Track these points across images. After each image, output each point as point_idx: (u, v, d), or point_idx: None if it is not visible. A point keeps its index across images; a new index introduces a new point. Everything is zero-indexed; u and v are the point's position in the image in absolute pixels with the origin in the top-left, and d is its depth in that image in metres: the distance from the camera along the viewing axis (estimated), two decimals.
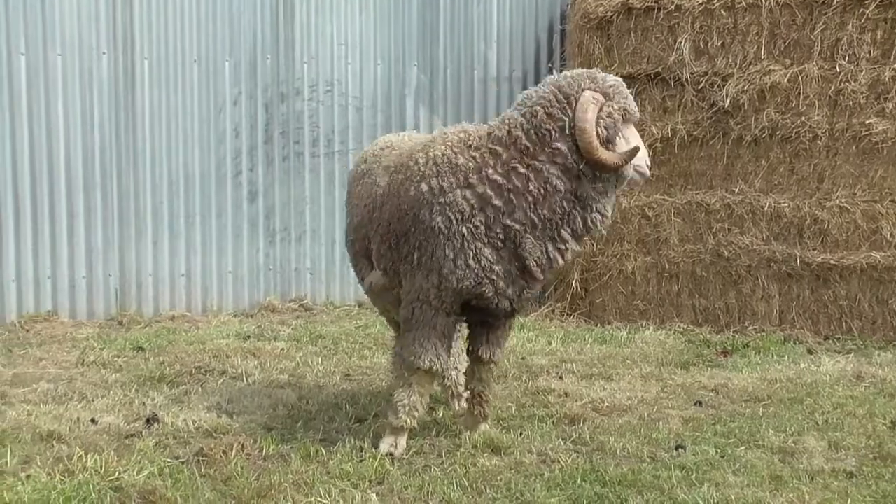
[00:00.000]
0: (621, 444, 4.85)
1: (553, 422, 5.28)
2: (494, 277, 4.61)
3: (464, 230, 4.55)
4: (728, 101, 7.77)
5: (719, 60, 7.97)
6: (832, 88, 7.57)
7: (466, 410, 5.14)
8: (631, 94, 4.58)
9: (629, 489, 4.26)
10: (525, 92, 4.67)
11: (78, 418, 5.23)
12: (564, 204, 4.49)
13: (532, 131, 4.50)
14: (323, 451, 4.71)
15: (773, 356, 6.78)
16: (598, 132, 4.41)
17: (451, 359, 5.23)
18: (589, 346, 7.21)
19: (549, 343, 7.27)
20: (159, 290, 8.38)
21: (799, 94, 7.60)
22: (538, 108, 4.51)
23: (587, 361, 6.67)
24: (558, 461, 4.61)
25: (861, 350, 7.01)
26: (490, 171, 4.52)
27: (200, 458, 4.57)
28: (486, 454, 4.72)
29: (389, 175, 4.93)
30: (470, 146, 4.63)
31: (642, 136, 8.03)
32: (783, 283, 7.68)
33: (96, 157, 8.09)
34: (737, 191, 7.81)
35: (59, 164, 7.96)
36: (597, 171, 4.46)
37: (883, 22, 7.52)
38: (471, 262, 4.57)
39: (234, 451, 4.61)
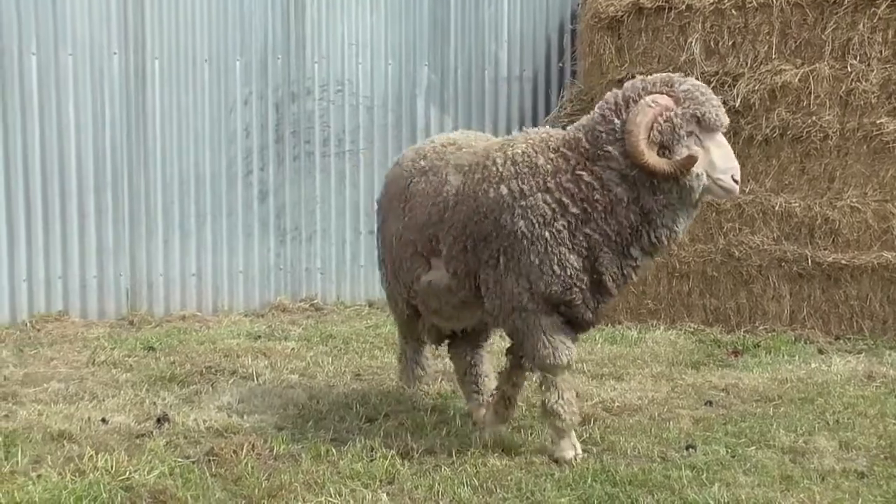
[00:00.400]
0: (632, 443, 4.85)
1: None
2: (583, 286, 4.52)
3: (546, 235, 4.46)
4: (739, 100, 7.75)
5: (730, 60, 7.95)
6: (843, 88, 7.54)
7: (490, 411, 5.10)
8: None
9: (639, 489, 4.26)
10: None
11: (89, 418, 5.24)
12: (632, 216, 4.40)
13: (590, 134, 4.45)
14: (333, 450, 4.71)
15: (783, 356, 6.76)
16: (650, 137, 4.27)
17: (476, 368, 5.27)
18: (599, 345, 7.20)
19: None
20: (170, 289, 8.41)
21: (810, 93, 7.58)
22: (598, 110, 4.49)
23: (598, 361, 6.67)
24: (569, 461, 4.61)
25: (872, 350, 6.99)
26: (562, 176, 4.45)
27: (211, 458, 4.58)
28: (496, 454, 4.72)
29: (463, 174, 4.77)
30: (549, 147, 4.55)
31: None
32: (794, 282, 7.66)
33: (107, 156, 8.12)
34: (747, 190, 7.79)
35: (70, 163, 7.99)
36: (655, 181, 4.31)
37: (894, 21, 7.49)
38: (555, 267, 4.48)
39: (244, 450, 4.61)
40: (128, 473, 4.36)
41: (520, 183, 4.50)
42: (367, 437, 4.92)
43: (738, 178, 4.37)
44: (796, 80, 7.63)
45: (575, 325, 4.69)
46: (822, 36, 7.68)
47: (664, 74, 4.51)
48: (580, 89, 8.99)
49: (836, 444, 4.87)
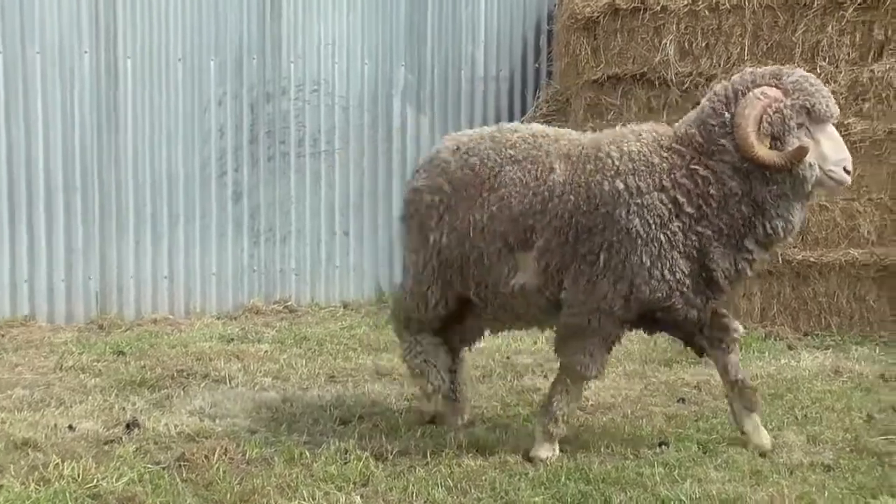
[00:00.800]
0: (605, 441, 4.88)
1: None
2: (685, 290, 4.51)
3: (661, 237, 4.43)
4: None
5: (704, 61, 8.01)
6: None
7: None
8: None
9: (613, 486, 4.28)
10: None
11: (55, 425, 5.15)
12: (744, 209, 4.41)
13: (702, 128, 4.47)
14: (307, 453, 4.70)
15: (754, 352, 6.81)
16: (761, 129, 4.32)
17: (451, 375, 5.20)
18: None
19: (535, 342, 7.28)
20: (141, 292, 8.33)
21: None
22: (707, 103, 4.52)
23: None
24: (542, 460, 4.63)
25: (839, 345, 7.07)
26: (678, 173, 4.45)
27: (182, 463, 4.51)
28: (470, 454, 4.72)
29: (572, 164, 4.67)
30: (661, 145, 4.55)
31: None
32: (764, 280, 7.71)
33: (76, 156, 8.04)
34: None
35: (37, 164, 7.92)
36: (767, 173, 4.34)
37: (861, 24, 7.60)
38: (666, 273, 4.46)
39: (216, 455, 4.56)
40: (95, 481, 4.28)
41: (637, 179, 4.47)
42: (341, 439, 4.90)
43: (849, 168, 4.42)
44: None
45: (679, 327, 4.72)
46: (793, 38, 7.76)
47: (773, 67, 4.59)
48: (556, 90, 9.04)
49: (805, 438, 4.93)
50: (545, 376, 6.25)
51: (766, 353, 6.83)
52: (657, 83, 8.15)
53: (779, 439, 4.89)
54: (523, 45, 9.55)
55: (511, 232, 4.73)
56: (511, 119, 9.41)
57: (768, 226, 4.43)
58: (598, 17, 8.32)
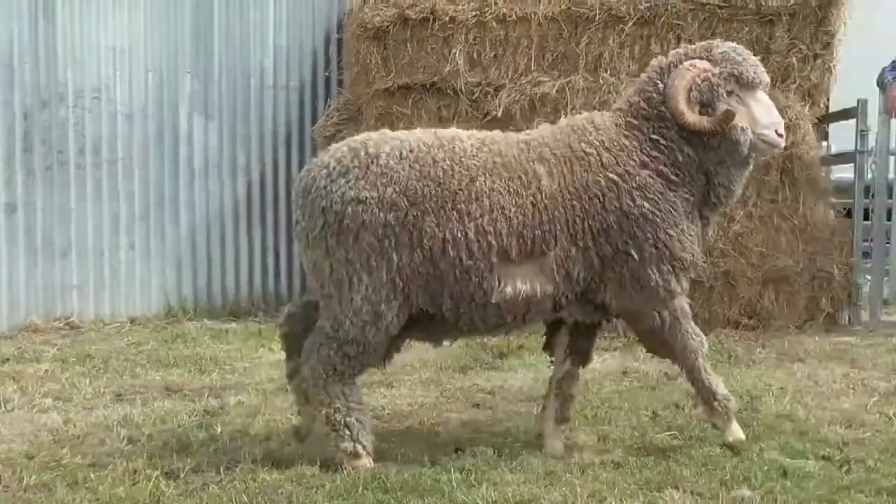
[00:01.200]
0: (402, 449, 4.87)
1: None
2: (699, 252, 4.73)
3: (668, 207, 4.56)
4: (501, 110, 7.98)
5: (492, 71, 8.17)
6: (597, 99, 7.90)
7: (552, 423, 4.93)
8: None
9: (410, 494, 4.27)
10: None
11: None
12: (700, 175, 4.61)
13: (642, 95, 4.65)
14: (92, 476, 4.47)
15: (545, 357, 6.93)
16: (690, 97, 4.52)
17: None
18: None
19: None
20: None
21: (567, 104, 7.89)
22: (644, 75, 4.72)
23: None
24: (340, 471, 4.57)
25: (626, 347, 7.30)
26: (647, 146, 4.58)
27: None
28: (266, 468, 4.62)
29: (555, 167, 4.57)
30: (618, 125, 4.65)
31: None
32: None
33: None
34: None
35: None
36: (704, 140, 4.53)
37: (640, 38, 7.99)
38: (691, 235, 4.61)
39: None
40: None
41: (623, 166, 4.54)
42: (130, 459, 4.70)
43: (781, 131, 4.58)
44: (554, 91, 7.94)
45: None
46: (577, 50, 8.05)
47: (704, 42, 4.77)
48: (347, 99, 9.01)
49: (595, 438, 5.06)
50: None
51: None
52: (447, 92, 8.26)
53: (571, 439, 5.01)
54: (313, 53, 9.47)
55: (514, 246, 4.50)
56: (301, 128, 9.33)
57: (712, 194, 4.66)
58: (387, 26, 8.36)
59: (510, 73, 8.13)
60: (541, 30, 8.09)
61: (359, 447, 4.61)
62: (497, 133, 4.81)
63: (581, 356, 4.99)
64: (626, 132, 4.64)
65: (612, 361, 6.89)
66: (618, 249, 4.55)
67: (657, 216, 4.55)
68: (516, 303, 4.55)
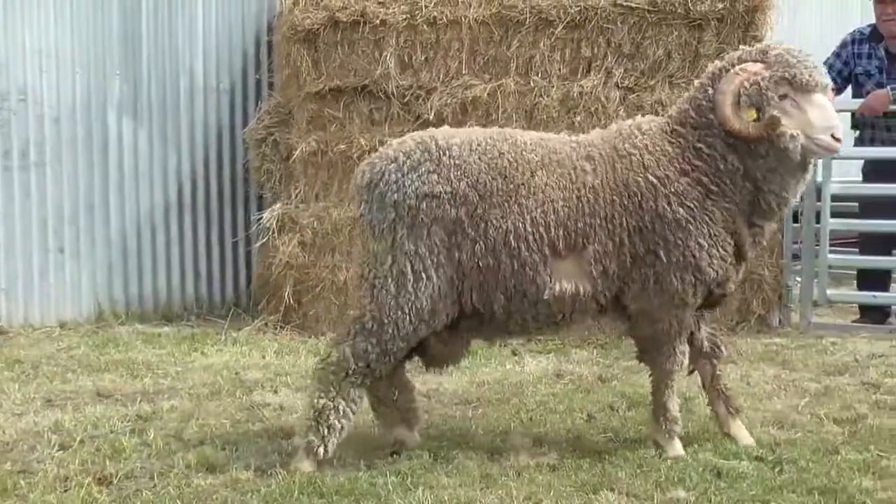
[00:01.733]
0: (337, 453, 4.86)
1: (269, 436, 5.23)
2: (734, 263, 4.67)
3: (706, 217, 4.53)
4: (432, 113, 8.01)
5: (423, 74, 8.20)
6: (528, 102, 7.99)
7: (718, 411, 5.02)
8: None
9: (346, 498, 4.29)
10: None
11: None
12: (747, 184, 4.57)
13: (693, 103, 4.60)
14: (22, 483, 4.42)
15: (480, 359, 7.00)
16: (740, 101, 4.47)
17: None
18: (303, 358, 7.19)
19: (264, 357, 7.20)
20: None
21: (498, 107, 7.95)
22: (698, 82, 4.65)
23: (302, 373, 6.65)
24: (275, 476, 4.57)
25: (560, 349, 7.38)
26: (690, 154, 4.55)
27: None
28: (200, 473, 4.61)
29: (600, 164, 4.63)
30: (665, 132, 4.66)
31: (350, 147, 8.21)
32: None
33: None
34: None
35: None
36: (752, 147, 4.49)
37: (570, 42, 8.06)
38: (721, 250, 4.57)
39: None
40: None
41: (663, 170, 4.53)
42: (61, 465, 4.65)
43: (838, 135, 4.51)
44: (485, 94, 7.98)
45: (713, 304, 4.85)
46: (508, 53, 8.11)
47: (762, 44, 4.76)
48: (278, 102, 8.97)
49: (531, 440, 5.10)
50: (275, 391, 6.20)
51: (493, 360, 7.04)
52: (379, 95, 8.26)
53: (506, 443, 5.05)
54: (243, 56, 9.41)
55: (561, 237, 4.56)
56: (232, 131, 9.28)
57: (763, 201, 4.62)
58: (318, 29, 8.34)
59: (441, 77, 8.16)
60: (471, 33, 8.14)
61: (321, 450, 4.61)
62: (551, 133, 5.03)
63: (705, 350, 4.98)
64: (671, 139, 4.67)
65: (546, 364, 6.95)
66: (648, 249, 4.58)
67: (691, 224, 4.55)
68: (563, 300, 4.60)
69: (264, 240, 8.50)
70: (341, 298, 8.18)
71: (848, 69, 8.29)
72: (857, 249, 8.87)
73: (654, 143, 4.67)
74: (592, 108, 7.97)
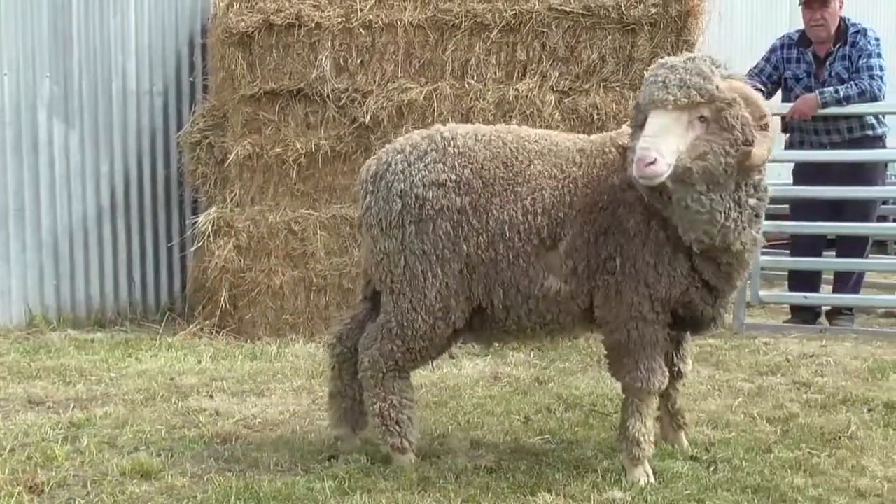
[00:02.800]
0: (274, 458, 4.85)
1: (205, 442, 5.19)
2: (698, 284, 4.42)
3: (651, 235, 4.36)
4: (368, 117, 8.01)
5: (359, 77, 8.19)
6: (464, 105, 8.03)
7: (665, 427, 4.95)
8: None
9: (284, 503, 4.28)
10: None
11: None
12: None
13: None
14: None
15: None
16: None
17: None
18: (239, 362, 7.14)
19: (199, 362, 7.13)
20: None
21: (434, 110, 7.97)
22: None
23: (238, 378, 6.61)
24: (211, 481, 4.54)
25: (497, 352, 7.40)
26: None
27: None
28: (135, 480, 4.56)
29: (587, 158, 4.59)
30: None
31: (285, 150, 8.19)
32: None
33: None
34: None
35: None
36: None
37: (506, 45, 8.12)
38: (670, 269, 4.38)
39: None
40: None
41: (623, 176, 4.39)
42: None
43: (647, 157, 4.07)
44: (421, 97, 8.00)
45: (699, 326, 4.65)
46: (444, 56, 8.14)
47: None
48: (213, 105, 8.89)
49: (468, 443, 5.13)
50: (211, 396, 6.15)
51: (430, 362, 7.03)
52: (314, 99, 8.24)
53: (444, 445, 5.07)
54: (177, 58, 9.31)
55: (545, 225, 4.53)
56: (166, 134, 9.18)
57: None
58: (252, 32, 8.28)
59: (377, 80, 8.16)
60: (407, 36, 8.16)
61: (405, 443, 4.74)
62: (558, 132, 5.02)
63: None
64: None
65: (483, 366, 6.98)
66: (610, 255, 4.47)
67: (638, 237, 4.41)
68: (549, 297, 4.55)
69: (199, 244, 8.42)
70: (277, 302, 8.14)
71: (778, 73, 8.40)
72: (787, 251, 9.02)
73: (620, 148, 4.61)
74: (528, 112, 8.03)
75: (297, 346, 7.77)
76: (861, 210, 8.36)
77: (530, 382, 6.52)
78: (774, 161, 7.98)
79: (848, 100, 7.94)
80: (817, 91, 8.04)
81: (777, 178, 9.09)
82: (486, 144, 4.67)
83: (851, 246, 8.42)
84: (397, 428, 4.72)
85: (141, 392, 6.22)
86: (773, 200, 8.44)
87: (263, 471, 4.70)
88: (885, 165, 9.15)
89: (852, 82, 7.99)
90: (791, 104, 8.19)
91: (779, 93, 8.54)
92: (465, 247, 4.57)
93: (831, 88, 7.99)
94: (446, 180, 4.59)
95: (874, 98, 7.99)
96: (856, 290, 8.60)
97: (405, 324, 4.65)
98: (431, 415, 5.69)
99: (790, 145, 8.61)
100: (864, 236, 8.52)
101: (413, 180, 4.61)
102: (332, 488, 4.43)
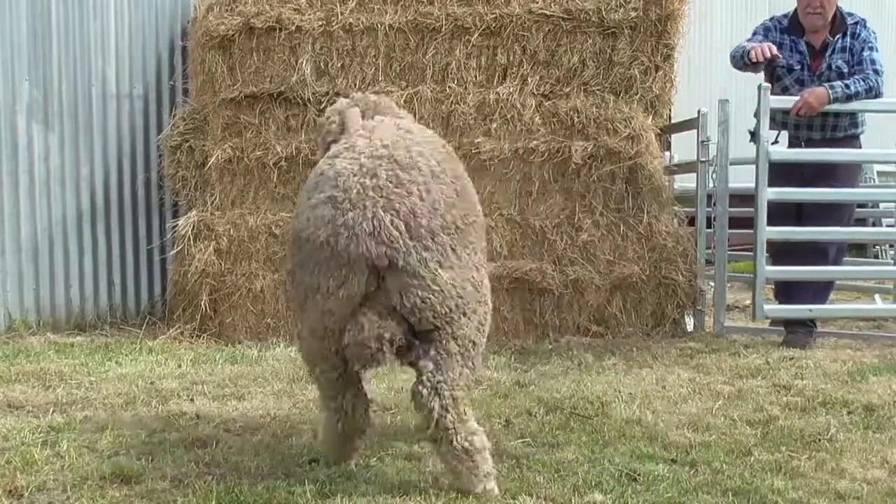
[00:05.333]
0: (255, 462, 4.84)
1: (185, 446, 5.17)
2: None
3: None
4: None
5: (340, 81, 8.21)
6: (444, 109, 8.06)
7: None
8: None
9: None
10: None
11: None
12: None
13: None
14: None
15: (397, 368, 6.98)
16: None
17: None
18: (220, 366, 7.12)
19: (179, 366, 7.11)
20: None
21: (414, 114, 7.96)
22: None
23: (218, 382, 6.59)
24: (192, 486, 4.52)
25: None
26: None
27: None
28: (115, 485, 4.53)
29: None
30: None
31: (266, 154, 8.19)
32: None
33: None
34: None
35: None
36: None
37: (486, 49, 8.16)
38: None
39: None
40: None
41: None
42: None
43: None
44: (402, 101, 8.00)
45: None
46: (424, 60, 8.16)
47: None
48: (193, 108, 8.88)
49: None
50: (191, 400, 6.12)
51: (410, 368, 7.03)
52: (295, 102, 8.25)
53: (424, 448, 5.06)
54: (157, 62, 9.28)
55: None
56: (147, 137, 9.15)
57: None
58: (233, 35, 8.29)
59: (358, 83, 8.17)
60: (387, 40, 8.18)
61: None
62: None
63: None
64: None
65: None
66: None
67: None
68: None
69: (179, 247, 8.40)
70: (258, 306, 8.14)
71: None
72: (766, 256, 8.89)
73: None
74: (508, 115, 8.07)
75: (278, 349, 7.75)
76: (837, 214, 7.94)
77: (511, 386, 6.52)
78: (739, 164, 8.02)
79: (857, 96, 7.51)
80: (826, 84, 7.52)
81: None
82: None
83: (814, 252, 7.95)
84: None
85: (121, 396, 6.19)
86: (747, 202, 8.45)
87: (244, 475, 4.68)
88: (861, 167, 9.05)
89: (858, 77, 7.54)
90: (782, 96, 7.73)
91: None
92: None
93: (840, 83, 7.50)
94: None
95: (878, 96, 7.62)
96: (822, 299, 8.18)
97: (468, 346, 4.62)
98: (412, 418, 5.68)
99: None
100: (831, 242, 8.10)
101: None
102: (312, 492, 4.41)
